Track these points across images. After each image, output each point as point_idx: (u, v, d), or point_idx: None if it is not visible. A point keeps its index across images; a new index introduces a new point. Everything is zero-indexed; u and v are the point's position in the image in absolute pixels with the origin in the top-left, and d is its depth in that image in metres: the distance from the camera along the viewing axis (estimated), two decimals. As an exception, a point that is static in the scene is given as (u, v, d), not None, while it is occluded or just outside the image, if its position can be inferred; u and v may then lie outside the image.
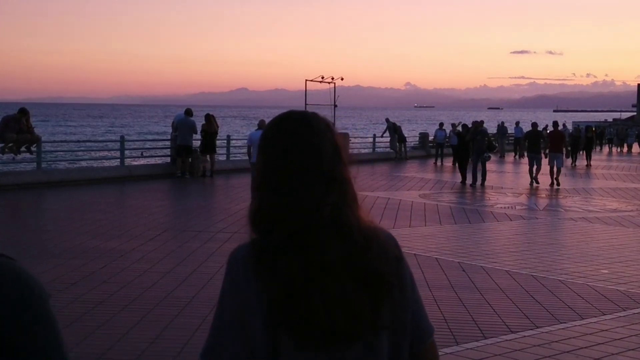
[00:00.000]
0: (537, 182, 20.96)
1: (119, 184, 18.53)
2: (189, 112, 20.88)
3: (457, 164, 21.38)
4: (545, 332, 6.54)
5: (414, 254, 10.10)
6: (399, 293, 1.69)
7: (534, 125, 22.16)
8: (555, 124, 23.53)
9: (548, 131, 22.04)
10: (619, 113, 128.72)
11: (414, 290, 1.76)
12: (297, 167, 1.65)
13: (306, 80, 26.48)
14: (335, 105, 27.24)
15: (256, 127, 16.34)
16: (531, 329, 6.63)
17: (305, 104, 26.78)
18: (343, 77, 27.17)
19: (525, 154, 22.08)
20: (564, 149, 22.60)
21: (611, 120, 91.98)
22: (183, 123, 20.52)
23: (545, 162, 21.41)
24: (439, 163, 28.50)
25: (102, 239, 10.67)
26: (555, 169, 21.15)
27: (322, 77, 26.89)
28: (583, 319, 7.06)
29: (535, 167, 21.10)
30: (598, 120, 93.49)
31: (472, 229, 12.99)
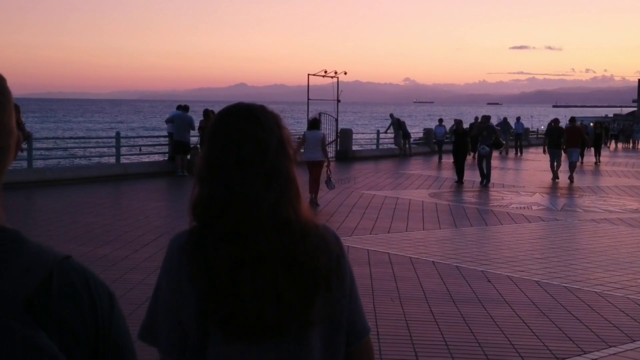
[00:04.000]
0: (558, 178, 20.44)
1: (114, 183, 17.69)
2: (185, 108, 20.16)
3: (454, 162, 20.43)
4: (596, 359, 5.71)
5: (432, 262, 9.28)
6: (337, 290, 1.69)
7: (556, 120, 21.40)
8: (572, 119, 22.98)
9: (565, 126, 21.34)
10: (620, 108, 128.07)
11: (352, 288, 1.76)
12: (240, 160, 1.64)
13: (309, 74, 25.56)
14: (338, 101, 26.31)
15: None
16: (578, 355, 5.78)
17: (308, 99, 25.93)
18: (346, 72, 26.20)
19: (546, 149, 21.29)
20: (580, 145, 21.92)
21: (612, 115, 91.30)
22: (180, 119, 19.76)
23: (563, 157, 20.88)
24: (443, 160, 27.65)
25: (93, 245, 9.84)
26: (570, 165, 20.69)
27: (325, 71, 25.95)
28: (634, 341, 6.21)
29: (556, 163, 20.59)
30: (598, 115, 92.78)
31: (490, 232, 12.16)
